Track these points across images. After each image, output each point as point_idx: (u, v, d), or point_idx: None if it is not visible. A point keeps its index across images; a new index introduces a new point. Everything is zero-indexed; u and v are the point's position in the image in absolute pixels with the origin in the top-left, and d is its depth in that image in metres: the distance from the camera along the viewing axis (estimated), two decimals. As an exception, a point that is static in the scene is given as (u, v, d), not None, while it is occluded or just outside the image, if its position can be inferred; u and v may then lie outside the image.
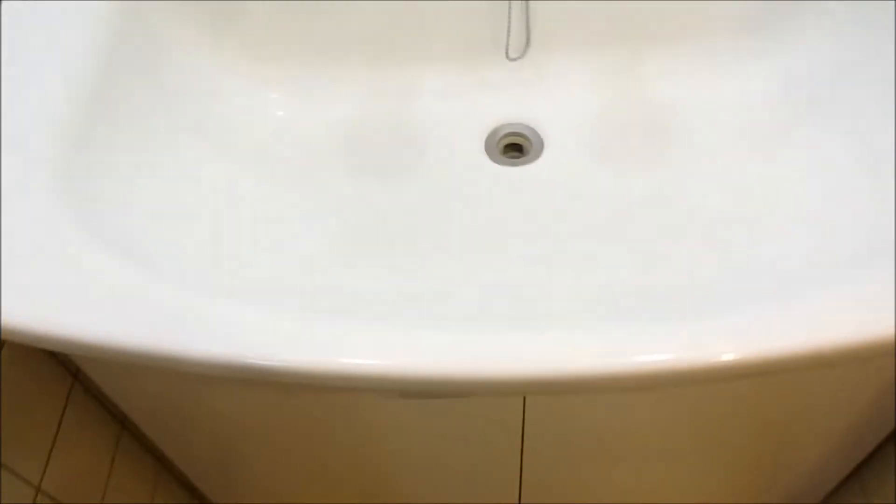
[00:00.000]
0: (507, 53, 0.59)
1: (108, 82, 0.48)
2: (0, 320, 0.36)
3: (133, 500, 0.66)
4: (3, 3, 0.50)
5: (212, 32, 0.57)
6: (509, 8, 0.56)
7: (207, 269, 0.46)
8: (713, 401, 0.50)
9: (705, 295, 0.46)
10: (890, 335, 0.35)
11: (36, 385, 0.54)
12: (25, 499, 0.51)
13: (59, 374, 0.57)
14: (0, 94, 0.45)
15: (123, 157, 0.48)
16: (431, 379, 0.36)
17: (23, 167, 0.42)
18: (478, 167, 0.56)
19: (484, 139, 0.58)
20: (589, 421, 0.52)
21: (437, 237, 0.52)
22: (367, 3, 0.57)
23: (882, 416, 0.53)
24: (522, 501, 0.62)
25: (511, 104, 0.59)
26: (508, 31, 0.57)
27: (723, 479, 0.63)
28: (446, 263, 0.50)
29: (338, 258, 0.50)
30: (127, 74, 0.50)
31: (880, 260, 0.38)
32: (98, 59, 0.48)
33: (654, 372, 0.36)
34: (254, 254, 0.49)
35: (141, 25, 0.52)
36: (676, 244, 0.50)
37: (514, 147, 0.59)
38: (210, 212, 0.51)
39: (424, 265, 0.50)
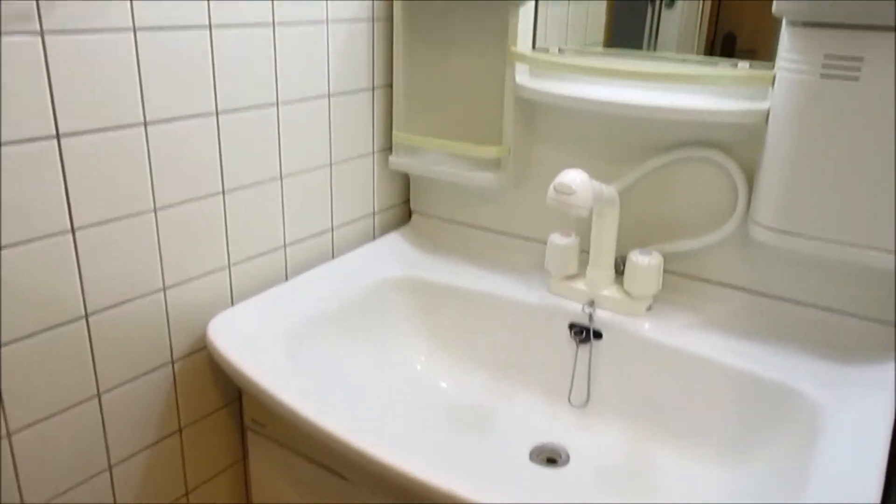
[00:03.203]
0: (569, 400, 0.92)
1: (354, 307, 0.92)
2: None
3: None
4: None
5: (420, 318, 1.00)
6: (572, 378, 0.91)
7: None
8: None
9: None
10: None
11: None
12: None
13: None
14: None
15: (331, 354, 0.89)
16: None
17: (265, 337, 0.85)
18: (520, 465, 0.87)
19: (531, 448, 0.89)
20: None
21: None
22: (499, 340, 0.96)
23: None
24: None
25: (561, 433, 0.90)
26: (571, 388, 0.91)
27: None
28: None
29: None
30: (361, 309, 0.94)
31: None
32: (356, 296, 0.93)
33: None
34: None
35: (386, 289, 0.97)
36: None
37: (550, 459, 0.88)
38: (370, 407, 0.88)
39: None
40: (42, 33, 0.69)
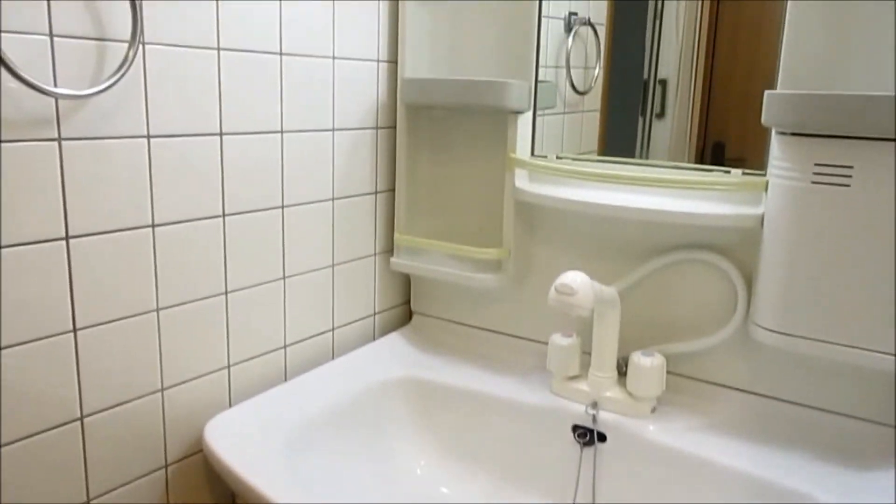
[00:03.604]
0: (574, 508, 0.89)
1: (353, 409, 0.90)
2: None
3: None
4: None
5: (420, 420, 0.98)
6: (576, 482, 0.88)
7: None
8: None
9: None
10: None
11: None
12: None
13: None
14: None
15: (330, 457, 0.87)
16: None
17: (263, 440, 0.83)
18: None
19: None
20: None
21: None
22: (501, 442, 0.94)
23: None
24: None
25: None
26: (576, 493, 0.89)
27: None
28: None
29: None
30: (361, 411, 0.92)
31: None
32: (355, 398, 0.91)
33: None
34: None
35: (386, 390, 0.96)
36: None
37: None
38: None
39: None
40: (60, 139, 0.71)
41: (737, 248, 0.90)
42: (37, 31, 0.68)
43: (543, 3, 1.03)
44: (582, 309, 0.83)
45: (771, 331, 0.82)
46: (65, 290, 0.74)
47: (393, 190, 1.14)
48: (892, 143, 0.71)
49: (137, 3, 0.73)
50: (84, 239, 0.75)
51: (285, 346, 1.01)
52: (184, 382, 0.87)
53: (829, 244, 0.77)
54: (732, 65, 1.05)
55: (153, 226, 0.81)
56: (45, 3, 0.68)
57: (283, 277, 0.98)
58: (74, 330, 0.76)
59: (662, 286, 0.97)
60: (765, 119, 0.79)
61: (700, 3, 1.08)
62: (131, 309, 0.80)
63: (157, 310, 0.83)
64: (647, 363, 0.90)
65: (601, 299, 0.88)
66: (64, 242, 0.73)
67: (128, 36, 0.74)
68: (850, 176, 0.74)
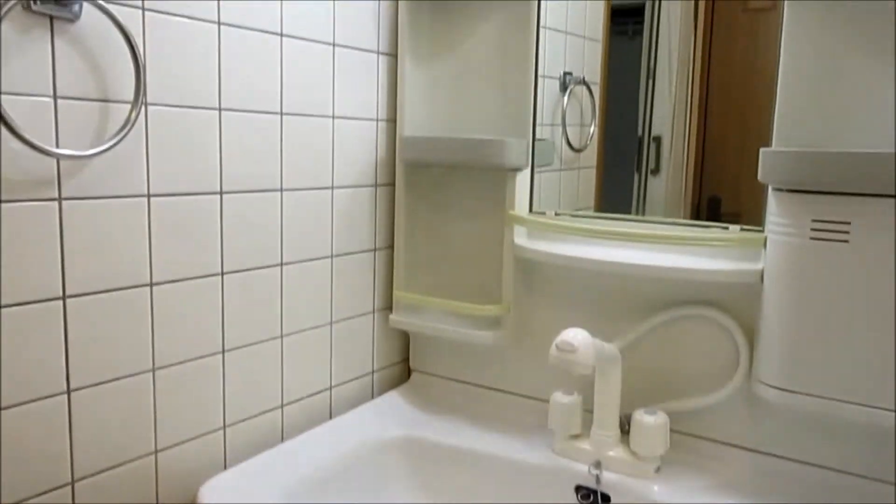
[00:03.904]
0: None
1: (351, 470, 0.88)
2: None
3: None
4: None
5: (420, 480, 0.96)
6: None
7: None
8: None
9: None
10: None
11: None
12: None
13: None
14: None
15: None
16: None
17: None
18: None
19: None
20: None
21: None
22: (502, 502, 0.92)
23: None
24: None
25: None
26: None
27: None
28: None
29: None
30: (360, 472, 0.90)
31: None
32: (353, 458, 0.89)
33: None
34: None
35: (384, 450, 0.94)
36: None
37: None
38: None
39: None
40: (60, 199, 0.71)
41: (738, 303, 0.90)
42: (41, 92, 0.69)
43: (540, 62, 1.05)
44: (583, 366, 0.82)
45: (773, 387, 0.81)
46: (60, 350, 0.73)
47: (392, 247, 1.14)
48: (892, 200, 0.72)
49: (141, 64, 0.74)
50: (81, 298, 0.74)
51: (282, 406, 0.99)
52: (178, 444, 0.86)
53: (829, 300, 0.77)
54: (725, 121, 1.07)
55: (151, 284, 0.80)
56: (50, 65, 0.69)
57: (281, 336, 0.97)
58: (68, 391, 0.74)
59: (664, 342, 0.96)
60: (761, 176, 0.80)
61: (691, 61, 1.11)
62: (127, 369, 0.79)
63: (153, 370, 0.82)
64: (650, 421, 0.88)
65: (602, 356, 0.87)
66: (61, 302, 0.73)
67: (130, 97, 0.75)
68: (848, 232, 0.74)
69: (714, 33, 1.09)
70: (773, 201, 0.81)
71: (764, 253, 0.83)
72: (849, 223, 0.74)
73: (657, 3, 1.17)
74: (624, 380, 0.97)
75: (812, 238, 0.77)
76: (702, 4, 1.09)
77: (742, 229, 0.89)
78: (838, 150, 0.76)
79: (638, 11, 1.18)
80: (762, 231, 0.85)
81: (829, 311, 0.77)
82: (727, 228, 0.90)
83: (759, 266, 0.84)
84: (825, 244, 0.76)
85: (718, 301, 0.91)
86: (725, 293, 0.90)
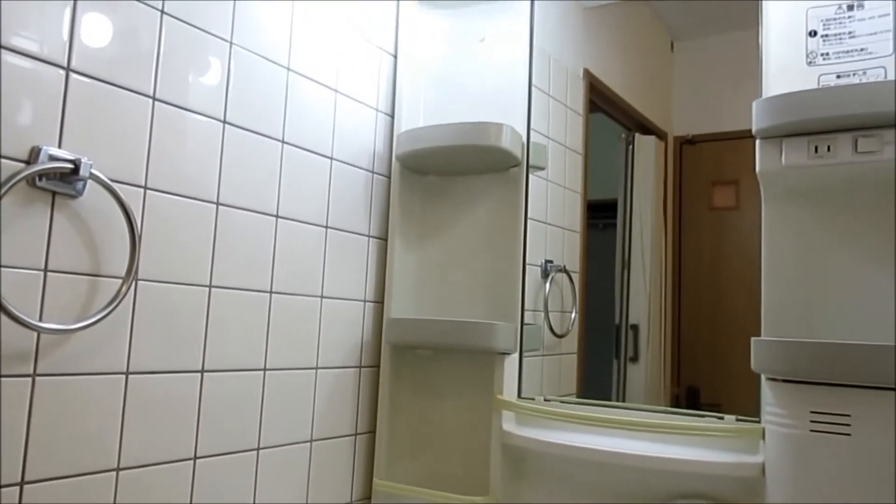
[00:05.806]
0: None
1: None
2: None
3: None
4: None
5: None
6: None
7: None
8: None
9: None
10: None
11: None
12: None
13: None
14: None
15: None
16: None
17: None
18: None
19: None
20: None
21: None
22: None
23: None
24: None
25: None
26: None
27: None
28: None
29: None
30: None
31: None
32: None
33: None
34: None
35: None
36: None
37: None
38: None
39: None
40: (34, 375, 0.67)
41: (738, 497, 0.86)
42: (32, 265, 0.67)
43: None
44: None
45: None
46: (8, 545, 0.65)
47: (374, 432, 1.09)
48: (892, 393, 0.71)
49: (138, 240, 0.74)
50: (39, 484, 0.68)
51: None
52: None
53: (833, 494, 0.73)
54: (698, 313, 1.09)
55: (118, 469, 0.74)
56: (46, 239, 0.68)
57: (251, 530, 0.89)
58: None
59: (663, 541, 0.90)
60: (754, 365, 0.79)
61: (663, 254, 1.15)
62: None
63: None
64: None
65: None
66: (17, 488, 0.66)
67: (122, 272, 0.74)
68: (849, 424, 0.73)
69: (682, 229, 1.15)
70: (768, 391, 0.80)
71: (762, 445, 0.81)
72: (849, 415, 0.73)
73: (629, 200, 1.24)
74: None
75: (812, 430, 0.75)
76: (670, 202, 1.15)
77: (738, 420, 0.87)
78: (838, 341, 0.76)
79: (611, 207, 1.24)
80: (758, 421, 0.84)
81: (838, 508, 0.73)
82: (722, 418, 0.88)
83: (760, 459, 0.81)
84: (826, 437, 0.74)
85: (716, 495, 0.87)
86: (724, 486, 0.86)
